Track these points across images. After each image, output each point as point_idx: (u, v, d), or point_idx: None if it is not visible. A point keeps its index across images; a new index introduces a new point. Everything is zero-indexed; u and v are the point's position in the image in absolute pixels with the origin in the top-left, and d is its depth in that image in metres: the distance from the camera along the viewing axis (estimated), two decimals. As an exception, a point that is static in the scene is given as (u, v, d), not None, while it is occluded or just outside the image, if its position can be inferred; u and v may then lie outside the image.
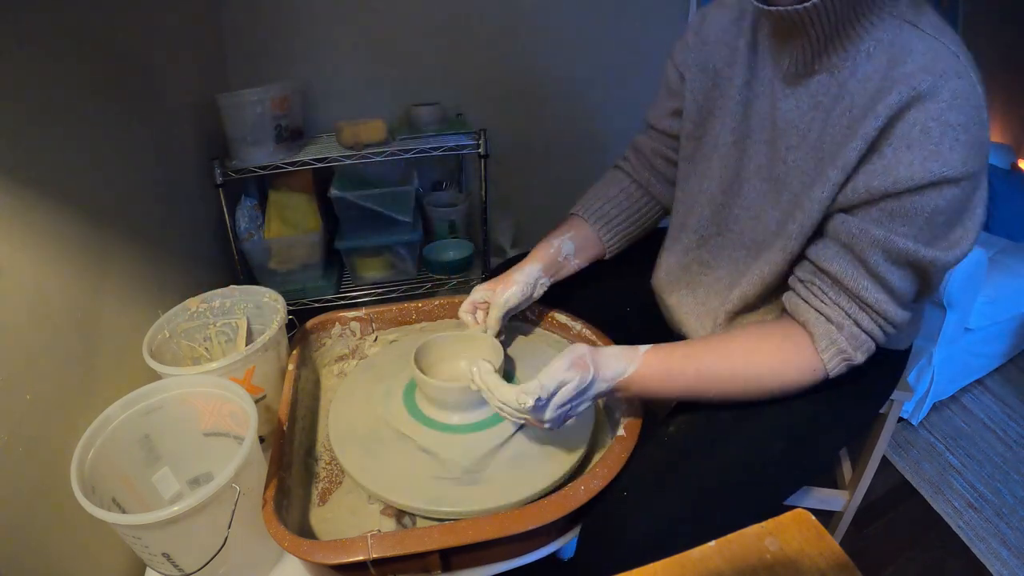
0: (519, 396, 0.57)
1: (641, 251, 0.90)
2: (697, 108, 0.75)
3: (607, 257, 0.87)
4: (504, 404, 0.59)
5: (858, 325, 0.59)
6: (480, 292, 0.79)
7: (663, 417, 0.71)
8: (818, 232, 0.62)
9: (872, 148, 0.55)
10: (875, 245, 0.56)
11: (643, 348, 0.62)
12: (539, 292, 0.80)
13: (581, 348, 0.61)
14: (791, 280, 0.64)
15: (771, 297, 0.69)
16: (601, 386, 0.60)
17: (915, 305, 0.62)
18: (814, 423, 0.66)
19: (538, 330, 0.91)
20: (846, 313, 0.59)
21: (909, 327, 0.72)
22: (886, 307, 0.57)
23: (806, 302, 0.61)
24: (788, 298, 0.63)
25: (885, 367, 0.73)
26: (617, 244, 0.86)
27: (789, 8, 0.56)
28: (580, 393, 0.59)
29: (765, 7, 0.59)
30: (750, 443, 0.63)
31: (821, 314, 0.60)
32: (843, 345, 0.59)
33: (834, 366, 0.59)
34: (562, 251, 0.82)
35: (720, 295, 0.74)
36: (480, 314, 0.80)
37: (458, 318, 0.93)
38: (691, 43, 0.76)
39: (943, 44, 0.53)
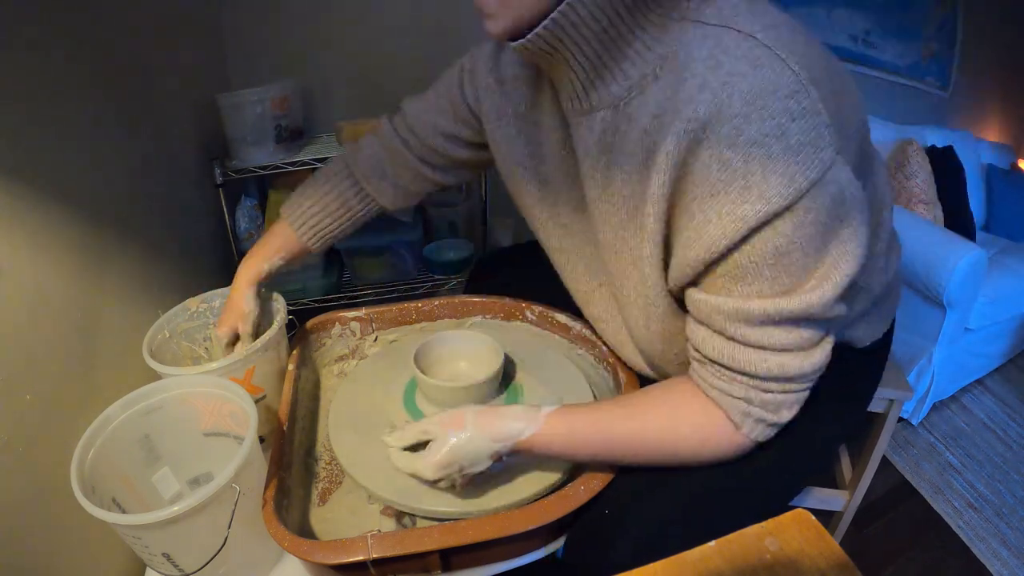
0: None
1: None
2: (508, 147, 0.69)
3: (315, 250, 0.84)
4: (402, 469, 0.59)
5: (767, 392, 0.50)
6: (224, 336, 0.77)
7: None
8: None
9: (672, 209, 0.47)
10: (732, 319, 0.47)
11: (546, 409, 0.56)
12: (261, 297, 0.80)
13: (466, 408, 0.58)
14: (689, 352, 0.56)
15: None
16: (493, 446, 0.55)
17: (856, 291, 0.55)
18: (803, 425, 0.63)
19: (539, 331, 0.91)
20: (748, 386, 0.51)
21: (875, 321, 0.67)
22: (785, 368, 0.48)
23: (707, 381, 0.53)
24: (691, 374, 0.56)
25: (867, 359, 0.71)
26: (318, 240, 0.83)
27: (523, 41, 0.47)
28: (471, 456, 0.55)
29: (510, 43, 0.49)
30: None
31: (725, 393, 0.52)
32: (760, 415, 0.51)
33: (759, 434, 0.53)
34: (271, 271, 0.80)
35: (625, 339, 0.69)
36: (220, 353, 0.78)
37: (460, 318, 0.94)
38: (486, 83, 0.69)
39: (728, 31, 0.42)
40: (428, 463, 0.56)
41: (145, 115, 0.93)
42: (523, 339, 0.88)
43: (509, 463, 0.62)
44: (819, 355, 0.49)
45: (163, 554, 0.54)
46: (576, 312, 0.83)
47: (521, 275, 0.94)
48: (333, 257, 1.46)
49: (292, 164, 1.20)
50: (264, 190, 1.35)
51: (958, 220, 1.78)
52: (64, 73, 0.71)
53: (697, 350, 0.53)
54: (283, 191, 1.34)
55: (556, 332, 0.90)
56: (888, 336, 0.75)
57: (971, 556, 1.15)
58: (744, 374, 0.50)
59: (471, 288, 1.02)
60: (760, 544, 0.42)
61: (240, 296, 0.77)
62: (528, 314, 0.92)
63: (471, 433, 0.55)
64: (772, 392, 0.51)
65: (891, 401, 0.95)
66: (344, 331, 0.91)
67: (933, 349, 1.41)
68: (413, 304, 0.94)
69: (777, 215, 0.41)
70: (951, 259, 1.28)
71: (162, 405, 0.66)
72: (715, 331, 0.50)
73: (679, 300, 0.56)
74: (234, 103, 1.14)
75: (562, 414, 0.56)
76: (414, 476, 0.58)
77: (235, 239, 1.23)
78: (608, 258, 0.60)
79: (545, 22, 0.45)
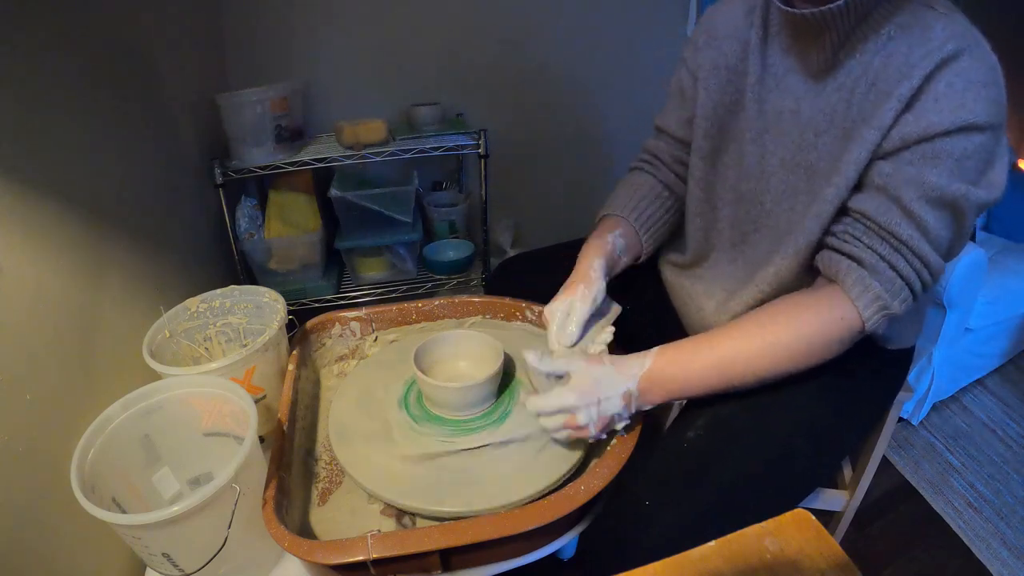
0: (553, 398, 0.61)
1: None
2: (713, 106, 0.74)
3: (641, 260, 0.83)
4: (543, 410, 0.61)
5: (894, 268, 0.58)
6: (559, 308, 0.70)
7: (674, 422, 0.70)
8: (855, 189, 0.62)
9: (907, 107, 0.57)
10: (908, 182, 0.56)
11: (653, 349, 0.63)
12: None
13: (603, 354, 0.64)
14: (825, 240, 0.63)
15: (791, 286, 0.68)
16: (625, 382, 0.60)
17: (948, 257, 0.61)
18: (832, 422, 0.66)
19: (539, 331, 0.91)
20: (880, 256, 0.58)
21: (911, 323, 0.72)
22: (921, 246, 0.57)
23: (838, 251, 0.60)
24: (820, 257, 0.63)
25: (892, 363, 0.74)
26: (652, 246, 0.83)
27: (814, 11, 0.59)
28: (607, 389, 0.60)
29: (788, 9, 0.61)
30: (771, 446, 0.63)
31: (853, 259, 0.59)
32: (878, 291, 0.57)
33: (871, 314, 0.58)
34: (616, 248, 0.77)
35: (744, 279, 0.73)
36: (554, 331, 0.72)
37: (460, 318, 0.94)
38: (701, 43, 0.76)
39: (959, 19, 0.57)
40: (569, 390, 0.60)
41: (145, 115, 0.93)
42: (523, 339, 0.88)
43: (634, 413, 0.63)
44: (940, 263, 0.58)
45: (163, 554, 0.54)
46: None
47: (545, 279, 0.90)
48: (333, 257, 1.47)
49: (292, 164, 1.20)
50: (264, 190, 1.35)
51: (958, 220, 1.78)
52: (64, 73, 0.71)
53: (851, 209, 0.61)
54: (283, 191, 1.34)
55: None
56: (911, 352, 0.78)
57: (971, 556, 1.15)
58: (886, 234, 0.58)
59: (490, 291, 1.01)
60: (760, 544, 0.42)
61: (587, 263, 0.72)
62: (528, 314, 0.92)
63: (607, 368, 0.61)
64: (898, 270, 0.57)
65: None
66: (344, 331, 0.91)
67: (933, 349, 1.41)
68: (413, 304, 0.94)
69: (975, 128, 0.54)
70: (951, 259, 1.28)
71: (162, 405, 0.66)
72: (883, 190, 0.58)
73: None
74: (234, 103, 1.14)
75: (670, 346, 0.62)
76: (561, 409, 0.60)
77: (235, 239, 1.23)
78: (804, 182, 0.66)
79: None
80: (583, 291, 0.70)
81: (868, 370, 0.69)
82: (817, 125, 0.64)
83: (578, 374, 0.61)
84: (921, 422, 1.52)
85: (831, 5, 0.57)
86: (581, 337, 0.70)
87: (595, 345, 0.70)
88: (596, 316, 0.72)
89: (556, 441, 0.66)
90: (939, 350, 1.41)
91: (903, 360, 0.77)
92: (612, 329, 0.72)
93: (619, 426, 0.63)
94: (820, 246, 0.65)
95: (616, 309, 0.76)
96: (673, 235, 0.88)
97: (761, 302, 0.71)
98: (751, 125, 0.70)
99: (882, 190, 0.58)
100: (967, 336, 1.48)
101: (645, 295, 0.89)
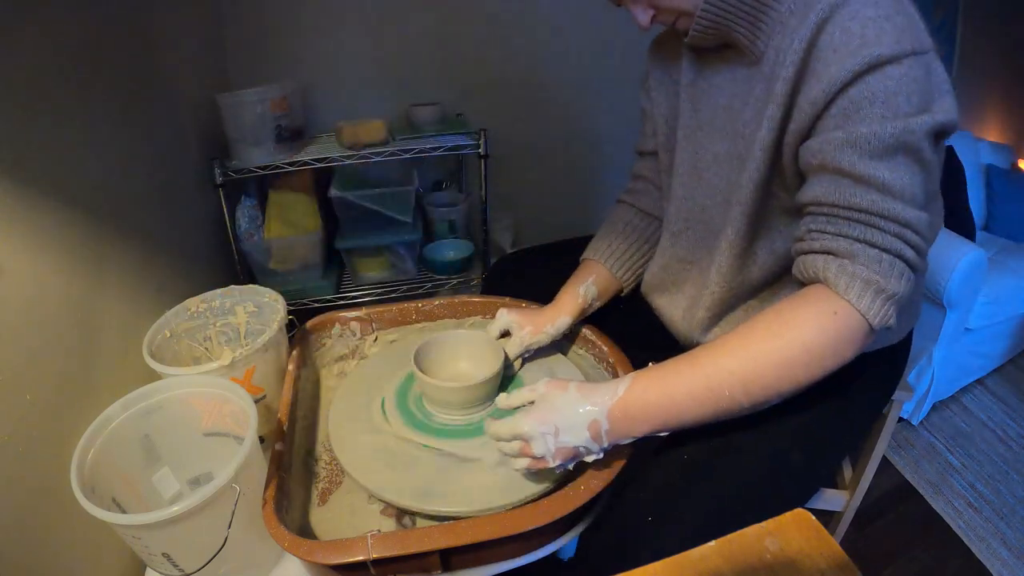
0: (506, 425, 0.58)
1: None
2: (663, 119, 0.77)
3: (624, 293, 0.88)
4: (499, 435, 0.59)
5: (872, 244, 0.51)
6: (505, 319, 0.80)
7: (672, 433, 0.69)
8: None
9: (802, 70, 0.54)
10: (841, 146, 0.51)
11: (629, 375, 0.58)
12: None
13: (572, 380, 0.59)
14: (792, 248, 0.59)
15: (752, 287, 0.69)
16: (591, 410, 0.55)
17: (929, 209, 0.54)
18: (823, 427, 0.65)
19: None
20: (852, 238, 0.52)
21: (903, 313, 0.68)
22: (890, 206, 0.50)
23: (808, 252, 0.55)
24: (795, 267, 0.58)
25: (886, 361, 0.72)
26: (632, 278, 0.87)
27: (690, 37, 0.61)
28: (568, 418, 0.55)
29: (685, 41, 0.64)
30: (769, 453, 0.62)
31: (827, 253, 0.53)
32: (865, 275, 0.50)
33: (869, 303, 0.50)
34: (588, 298, 0.82)
35: (700, 284, 0.73)
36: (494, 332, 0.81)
37: (459, 318, 0.94)
38: (651, 63, 0.80)
39: None
40: (524, 417, 0.56)
41: (145, 115, 0.93)
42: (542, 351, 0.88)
43: (603, 453, 0.57)
44: (921, 215, 0.51)
45: (163, 554, 0.54)
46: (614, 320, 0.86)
47: (541, 276, 0.93)
48: (333, 257, 1.46)
49: (292, 164, 1.20)
50: (264, 190, 1.34)
51: (958, 220, 1.78)
52: (64, 73, 0.71)
53: (802, 204, 0.56)
54: (283, 191, 1.34)
55: (572, 342, 0.89)
56: (907, 346, 0.76)
57: (971, 556, 1.15)
58: (847, 211, 0.52)
59: (486, 290, 1.02)
60: (760, 544, 0.42)
61: (551, 317, 0.80)
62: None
63: (572, 395, 0.56)
64: (876, 244, 0.51)
65: (891, 401, 0.95)
66: (344, 331, 0.91)
67: (933, 349, 1.41)
68: (413, 304, 0.94)
69: (887, 61, 0.49)
70: (951, 259, 1.28)
71: (162, 405, 0.66)
72: (822, 167, 0.53)
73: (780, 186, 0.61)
74: (234, 103, 1.14)
75: (649, 369, 0.57)
76: (515, 436, 0.57)
77: (235, 239, 1.23)
78: (736, 172, 0.65)
79: (699, 15, 0.58)
80: (526, 335, 0.78)
81: (862, 369, 0.66)
82: (745, 117, 0.63)
83: (539, 400, 0.58)
84: (921, 422, 1.52)
85: (692, 31, 0.60)
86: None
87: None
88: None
89: (519, 471, 0.61)
90: (939, 350, 1.41)
91: (899, 355, 0.76)
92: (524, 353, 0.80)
93: (588, 459, 0.58)
94: (755, 241, 0.64)
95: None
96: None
97: (721, 307, 0.71)
98: (685, 125, 0.71)
99: (822, 168, 0.53)
100: (967, 336, 1.48)
101: (638, 319, 0.89)
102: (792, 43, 0.54)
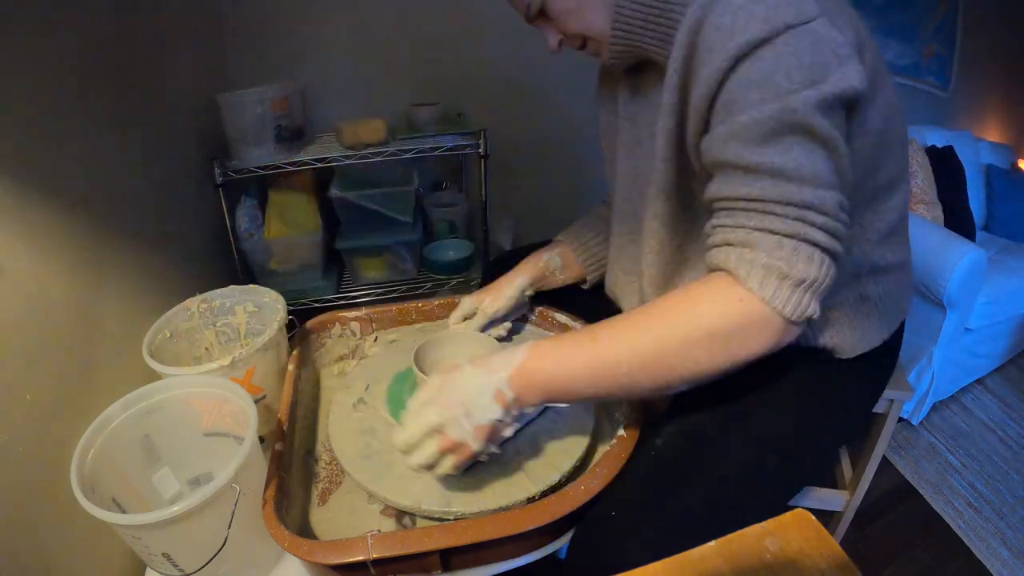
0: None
1: None
2: (603, 132, 0.81)
3: (587, 283, 0.90)
4: (409, 441, 0.55)
5: (770, 231, 0.48)
6: (469, 303, 0.84)
7: (644, 433, 0.68)
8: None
9: (686, 76, 0.54)
10: (726, 139, 0.50)
11: (526, 343, 0.57)
12: (525, 300, 0.86)
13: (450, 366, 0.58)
14: (705, 242, 0.57)
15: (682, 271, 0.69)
16: (491, 380, 0.54)
17: (843, 193, 0.50)
18: (803, 430, 0.64)
19: (538, 330, 0.91)
20: (749, 228, 0.49)
21: (877, 317, 0.66)
22: (784, 190, 0.47)
23: (713, 246, 0.53)
24: (706, 259, 0.55)
25: (869, 364, 0.68)
26: (594, 270, 0.89)
27: (611, 60, 0.64)
28: (472, 393, 0.54)
29: (604, 64, 0.67)
30: (740, 457, 0.61)
31: (727, 245, 0.51)
32: (765, 260, 0.48)
33: (772, 291, 0.48)
34: (549, 265, 0.86)
35: (640, 294, 0.74)
36: (457, 318, 0.85)
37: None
38: (598, 87, 0.83)
39: None
40: (433, 405, 0.53)
41: (145, 115, 0.93)
42: (523, 339, 0.88)
43: (519, 423, 0.57)
44: (825, 193, 0.48)
45: (163, 554, 0.54)
46: (576, 312, 0.87)
47: None
48: (333, 257, 1.46)
49: (292, 164, 1.20)
50: (264, 190, 1.34)
51: (958, 220, 1.78)
52: (64, 73, 0.71)
53: (706, 201, 0.55)
54: (283, 191, 1.34)
55: (556, 331, 0.90)
56: (894, 347, 0.73)
57: (971, 556, 1.15)
58: (742, 203, 0.50)
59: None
60: (760, 544, 0.42)
61: (508, 280, 0.84)
62: (528, 314, 0.92)
63: (468, 371, 0.55)
64: (774, 230, 0.48)
65: (891, 401, 0.95)
66: (344, 331, 0.91)
67: (933, 349, 1.41)
68: (413, 304, 0.94)
69: (757, 46, 0.47)
70: (951, 259, 1.28)
71: (162, 405, 0.65)
72: (715, 164, 0.52)
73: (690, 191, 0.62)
74: (234, 103, 1.14)
75: (549, 338, 0.56)
76: (426, 431, 0.54)
77: (235, 239, 1.23)
78: (635, 164, 0.69)
79: (610, 41, 0.61)
80: (488, 304, 0.82)
81: (845, 375, 0.65)
82: (644, 125, 0.68)
83: (437, 389, 0.55)
84: (921, 422, 1.52)
85: (610, 56, 0.63)
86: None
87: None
88: (499, 321, 0.85)
89: (445, 475, 0.57)
90: (939, 350, 1.41)
91: (883, 359, 0.72)
92: (507, 325, 0.86)
93: (507, 432, 0.56)
94: (684, 246, 0.66)
95: (507, 325, 0.87)
96: None
97: (660, 274, 0.72)
98: (625, 141, 0.74)
99: (715, 165, 0.52)
100: (967, 336, 1.48)
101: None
102: (674, 51, 0.54)
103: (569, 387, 0.54)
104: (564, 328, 0.88)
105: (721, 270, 0.51)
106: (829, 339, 0.64)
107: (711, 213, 0.55)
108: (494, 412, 0.54)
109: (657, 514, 0.58)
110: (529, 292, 0.86)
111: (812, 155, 0.48)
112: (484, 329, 0.84)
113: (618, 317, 0.54)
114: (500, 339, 0.86)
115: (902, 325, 0.73)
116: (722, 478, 0.60)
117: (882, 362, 0.71)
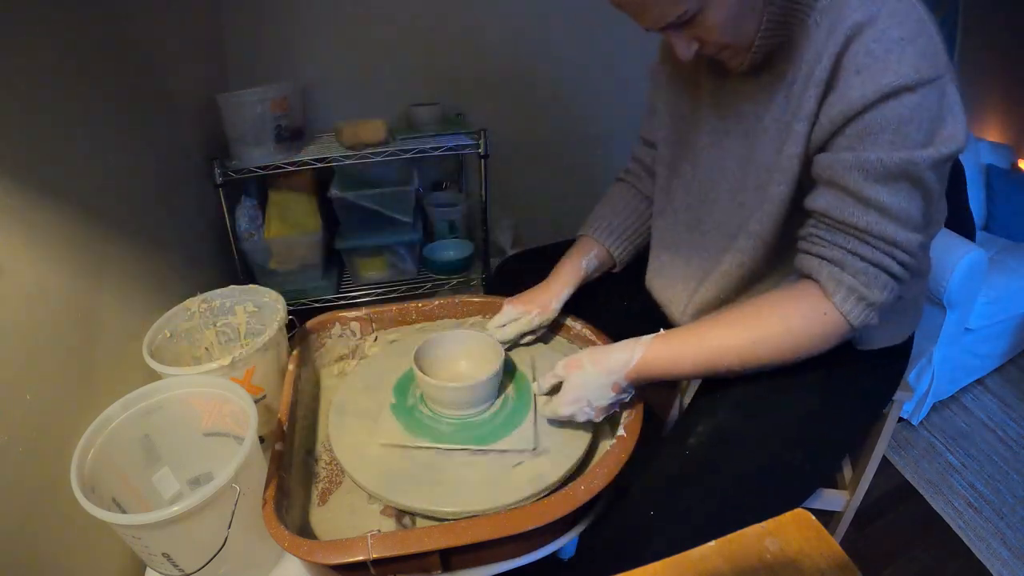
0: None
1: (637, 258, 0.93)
2: (671, 117, 0.79)
3: (617, 269, 0.90)
4: (551, 421, 0.69)
5: (861, 258, 0.57)
6: (512, 312, 0.82)
7: (674, 428, 0.70)
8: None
9: (828, 89, 0.57)
10: (849, 168, 0.55)
11: (646, 338, 0.65)
12: None
13: (584, 351, 0.67)
14: (798, 243, 0.64)
15: (754, 281, 0.72)
16: (609, 378, 0.64)
17: (924, 234, 0.59)
18: (825, 424, 0.66)
19: (563, 340, 0.90)
20: (845, 249, 0.58)
21: (903, 315, 0.72)
22: (883, 228, 0.56)
23: (808, 253, 0.61)
24: (797, 260, 0.63)
25: (886, 361, 0.74)
26: (627, 255, 0.90)
27: (748, 65, 0.62)
28: (593, 391, 0.64)
29: (733, 70, 0.65)
30: (770, 451, 0.63)
31: (822, 259, 0.59)
32: (851, 283, 0.57)
33: (850, 308, 0.57)
34: (588, 270, 0.86)
35: (702, 279, 0.76)
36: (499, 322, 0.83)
37: (460, 318, 0.94)
38: (660, 58, 0.82)
39: None
40: (560, 402, 0.66)
41: (145, 115, 0.93)
42: (552, 350, 0.88)
43: (631, 394, 0.68)
44: (912, 236, 0.56)
45: (163, 554, 0.54)
46: (576, 314, 0.88)
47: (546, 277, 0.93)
48: (333, 257, 1.46)
49: (292, 164, 1.20)
50: (264, 190, 1.34)
51: (958, 220, 1.78)
52: (64, 73, 0.71)
53: (808, 209, 0.61)
54: (283, 191, 1.34)
55: (556, 332, 0.90)
56: (908, 347, 0.78)
57: (971, 556, 1.15)
58: (844, 227, 0.57)
59: (490, 292, 1.02)
60: (760, 544, 0.42)
61: (554, 291, 0.83)
62: (572, 328, 0.91)
63: (588, 370, 0.65)
64: (865, 258, 0.56)
65: (891, 401, 0.95)
66: (344, 331, 0.91)
67: (933, 349, 1.41)
68: (413, 304, 0.94)
69: (904, 89, 0.52)
70: (951, 259, 1.28)
71: (162, 405, 0.66)
72: (830, 183, 0.58)
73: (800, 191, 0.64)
74: (234, 103, 1.13)
75: (663, 338, 0.65)
76: (562, 420, 0.68)
77: (235, 239, 1.23)
78: (752, 177, 0.68)
79: (757, 44, 0.60)
80: (535, 317, 0.82)
81: (863, 368, 0.70)
82: (766, 124, 0.65)
83: (564, 384, 0.66)
84: (921, 422, 1.52)
85: (744, 65, 0.62)
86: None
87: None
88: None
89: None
90: (939, 350, 1.41)
91: (899, 356, 0.77)
92: (531, 337, 0.86)
93: (626, 400, 0.68)
94: (773, 244, 0.67)
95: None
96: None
97: (720, 300, 0.74)
98: (712, 129, 0.73)
99: (830, 184, 0.58)
100: (967, 336, 1.48)
101: (639, 297, 0.90)
102: (820, 59, 0.56)
103: (675, 374, 0.65)
104: (565, 328, 0.88)
105: (811, 278, 0.60)
106: (863, 331, 0.68)
107: (810, 220, 0.62)
108: (609, 398, 0.65)
109: (685, 509, 0.60)
110: (567, 299, 0.85)
111: (914, 201, 0.56)
112: (520, 337, 0.83)
113: (721, 317, 0.64)
114: (524, 344, 0.85)
115: (913, 332, 0.78)
116: (748, 475, 0.62)
117: (899, 357, 0.76)
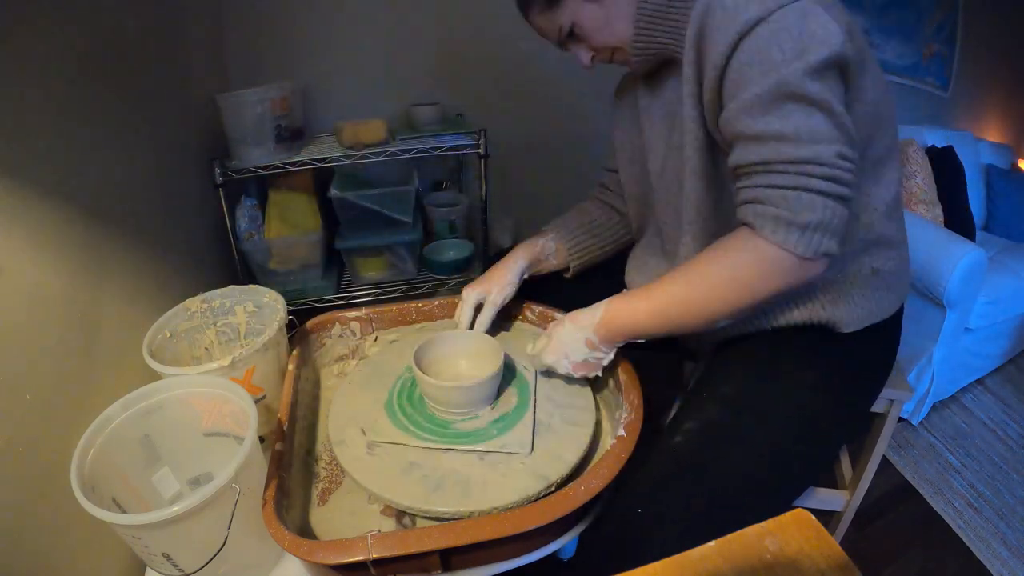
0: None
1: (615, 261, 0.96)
2: (626, 136, 0.88)
3: (570, 272, 0.94)
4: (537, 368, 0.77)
5: (776, 187, 0.57)
6: (473, 296, 0.85)
7: (666, 427, 0.70)
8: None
9: (699, 55, 0.61)
10: (737, 115, 0.58)
11: (602, 302, 0.71)
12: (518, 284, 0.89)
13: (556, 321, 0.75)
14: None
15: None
16: (582, 332, 0.70)
17: (845, 146, 0.57)
18: (817, 414, 0.66)
19: (539, 330, 0.91)
20: (760, 186, 0.58)
21: (885, 291, 0.71)
22: (785, 152, 0.56)
23: (738, 205, 0.62)
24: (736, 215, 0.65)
25: (873, 339, 0.73)
26: (578, 261, 0.93)
27: (637, 62, 0.72)
28: (569, 343, 0.71)
29: (633, 73, 0.76)
30: (762, 447, 0.63)
31: (745, 202, 0.60)
32: (774, 213, 0.57)
33: (784, 236, 0.56)
34: (544, 250, 0.91)
35: (671, 262, 0.80)
36: (468, 313, 0.85)
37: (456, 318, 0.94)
38: (616, 92, 0.92)
39: None
40: (544, 352, 0.73)
41: (145, 115, 0.93)
42: (523, 338, 0.88)
43: (611, 353, 0.72)
44: (825, 149, 0.55)
45: (163, 554, 0.54)
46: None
47: (544, 276, 0.95)
48: (333, 257, 1.46)
49: (292, 164, 1.20)
50: (264, 190, 1.34)
51: (958, 220, 1.78)
52: (64, 73, 0.71)
53: (731, 171, 0.63)
54: (283, 191, 1.34)
55: (542, 325, 0.89)
56: (896, 324, 0.77)
57: (971, 556, 1.15)
58: (754, 168, 0.59)
59: None
60: (760, 544, 0.42)
61: (508, 265, 0.86)
62: (528, 314, 0.92)
63: (566, 326, 0.72)
64: (777, 185, 0.56)
65: (891, 401, 0.95)
66: (344, 331, 0.91)
67: (933, 349, 1.41)
68: (413, 304, 0.94)
69: (756, 22, 0.55)
70: (951, 259, 1.28)
71: (162, 405, 0.66)
72: (736, 138, 0.60)
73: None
74: (234, 103, 1.13)
75: (622, 295, 0.70)
76: (545, 367, 0.75)
77: (235, 239, 1.23)
78: (670, 156, 0.75)
79: (633, 42, 0.69)
80: (496, 294, 0.84)
81: (851, 351, 0.70)
82: (674, 107, 0.73)
83: (550, 338, 0.73)
84: (921, 422, 1.52)
85: (632, 60, 0.71)
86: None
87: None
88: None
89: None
90: (939, 350, 1.41)
91: (888, 334, 0.76)
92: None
93: (605, 362, 0.73)
94: (714, 215, 0.70)
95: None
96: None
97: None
98: (654, 146, 0.79)
99: (734, 137, 0.60)
100: (967, 336, 1.48)
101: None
102: (688, 32, 0.62)
103: (638, 330, 0.68)
104: (549, 319, 0.90)
105: (744, 225, 0.61)
106: (845, 312, 0.69)
107: (735, 179, 0.63)
108: (584, 352, 0.71)
109: (680, 512, 0.59)
110: (525, 276, 0.88)
111: (809, 118, 0.55)
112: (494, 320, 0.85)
113: (669, 273, 0.66)
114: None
115: (902, 307, 0.78)
116: (746, 470, 0.61)
117: (887, 335, 0.77)
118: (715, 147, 0.67)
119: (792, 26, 0.55)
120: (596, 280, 0.94)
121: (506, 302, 0.86)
